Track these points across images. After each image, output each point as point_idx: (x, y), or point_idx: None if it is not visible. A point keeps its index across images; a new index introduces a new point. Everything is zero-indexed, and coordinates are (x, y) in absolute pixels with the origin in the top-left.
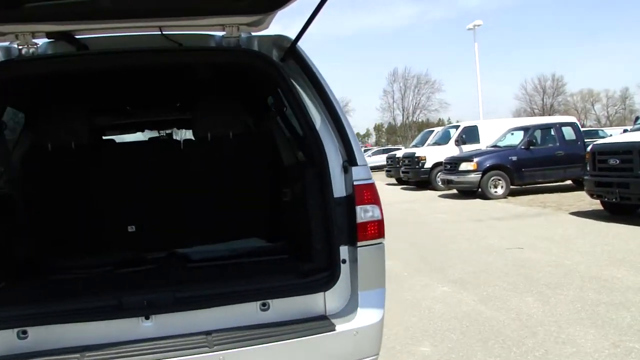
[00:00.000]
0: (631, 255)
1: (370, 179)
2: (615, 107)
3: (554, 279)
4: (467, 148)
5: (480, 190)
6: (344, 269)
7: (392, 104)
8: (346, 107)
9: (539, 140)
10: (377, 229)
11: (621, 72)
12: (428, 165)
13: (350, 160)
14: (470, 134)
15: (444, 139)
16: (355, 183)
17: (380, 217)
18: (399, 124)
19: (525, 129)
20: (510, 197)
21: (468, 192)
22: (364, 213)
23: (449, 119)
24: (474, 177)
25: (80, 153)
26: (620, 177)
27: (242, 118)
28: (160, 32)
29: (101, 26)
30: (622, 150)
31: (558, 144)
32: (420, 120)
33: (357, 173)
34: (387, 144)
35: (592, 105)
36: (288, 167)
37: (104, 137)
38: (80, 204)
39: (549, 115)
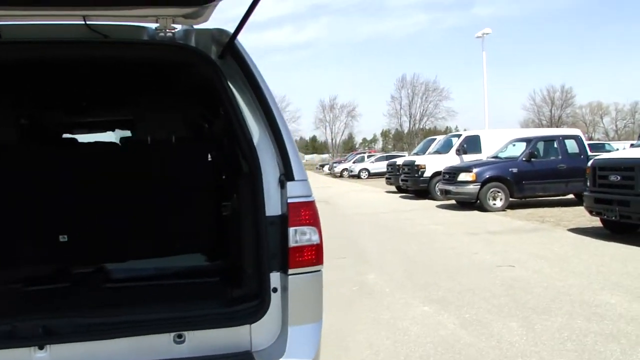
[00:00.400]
0: (627, 278)
1: (309, 196)
2: (625, 121)
3: (542, 302)
4: (469, 158)
5: (478, 201)
6: (275, 299)
7: (400, 110)
8: (353, 111)
9: (541, 153)
10: (314, 254)
11: (631, 86)
12: (428, 174)
13: (287, 174)
14: (472, 144)
15: (445, 148)
16: (289, 201)
17: (318, 241)
18: (405, 131)
19: (528, 141)
20: (509, 210)
21: (466, 203)
22: (300, 236)
23: (457, 127)
24: (473, 188)
25: (6, 154)
26: (621, 194)
27: (189, 121)
28: (84, 22)
29: (18, 13)
30: (624, 166)
31: (560, 157)
32: (427, 127)
33: (293, 189)
34: (394, 150)
35: (601, 118)
36: (228, 178)
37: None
38: (4, 210)
39: (557, 127)
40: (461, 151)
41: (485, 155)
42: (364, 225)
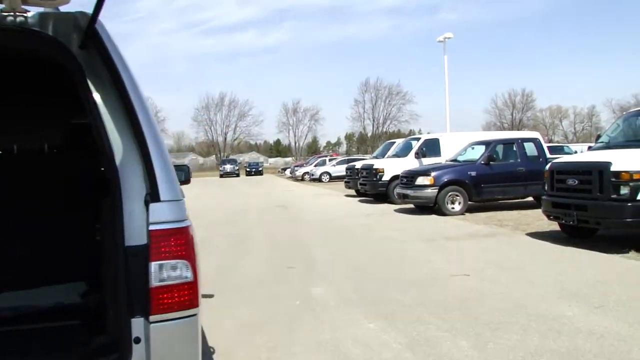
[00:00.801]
0: (586, 287)
1: (181, 220)
2: (583, 124)
3: (496, 316)
4: (428, 161)
5: (437, 205)
6: (139, 351)
7: (363, 114)
8: (316, 115)
9: (500, 156)
10: (186, 295)
11: (589, 90)
12: (386, 177)
13: (152, 193)
14: (431, 147)
15: (404, 151)
16: (152, 228)
17: (191, 279)
18: (369, 134)
19: (486, 144)
20: (467, 214)
21: (425, 207)
22: (168, 272)
23: (420, 130)
24: (431, 192)
25: None
26: (579, 198)
27: (64, 127)
28: None
29: None
30: (582, 170)
31: (519, 160)
32: (391, 130)
33: (158, 213)
34: (358, 154)
35: (560, 121)
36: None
37: None
38: None
39: (518, 129)
40: (420, 154)
41: (444, 158)
42: (318, 231)
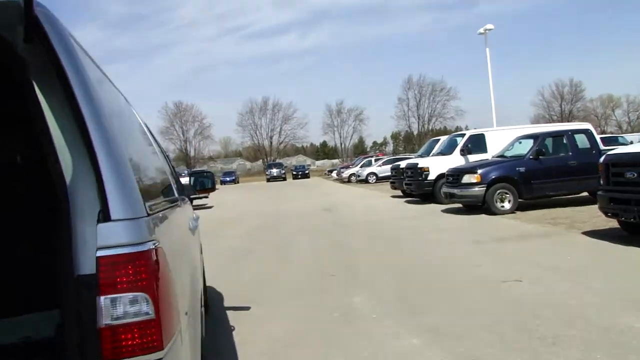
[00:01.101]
0: None
1: (141, 243)
2: (637, 112)
3: (553, 328)
4: (474, 158)
5: (485, 204)
6: None
7: (407, 112)
8: (361, 115)
9: (549, 149)
10: (148, 335)
11: None
12: (432, 176)
13: (103, 210)
14: (476, 143)
15: (448, 149)
16: (100, 254)
17: (153, 315)
18: (415, 132)
19: (535, 137)
20: (518, 212)
21: (473, 207)
22: (122, 307)
23: (467, 126)
24: (478, 190)
25: None
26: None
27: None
28: None
29: None
30: None
31: (571, 153)
32: (437, 127)
33: (107, 234)
34: (405, 152)
35: (613, 110)
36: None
37: None
38: None
39: (568, 121)
40: (465, 151)
41: (491, 155)
42: (362, 235)
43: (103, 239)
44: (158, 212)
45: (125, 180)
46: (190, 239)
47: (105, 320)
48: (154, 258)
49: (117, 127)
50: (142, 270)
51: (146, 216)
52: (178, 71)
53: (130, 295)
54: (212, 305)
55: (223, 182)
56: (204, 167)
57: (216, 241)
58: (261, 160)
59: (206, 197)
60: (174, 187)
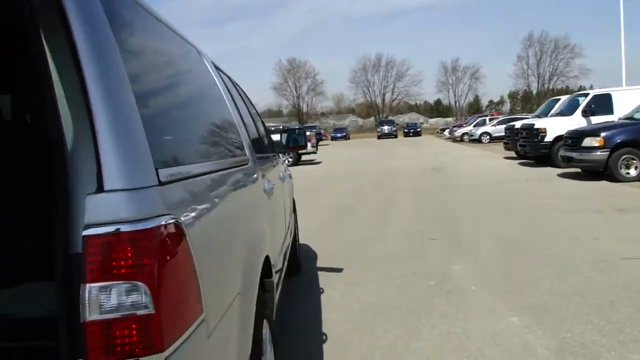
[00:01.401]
0: None
1: (146, 219)
2: None
3: None
4: (598, 120)
5: (607, 170)
6: None
7: (527, 70)
8: (477, 73)
9: None
10: (144, 334)
11: None
12: (549, 138)
13: (98, 179)
14: (601, 104)
15: (569, 109)
16: (86, 232)
17: (151, 310)
18: (534, 92)
19: None
20: None
21: (593, 172)
22: (115, 298)
23: (591, 86)
24: (600, 155)
25: None
26: None
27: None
28: None
29: None
30: None
31: None
32: (558, 87)
33: (99, 209)
34: (522, 112)
35: None
36: None
37: None
38: None
39: None
40: (588, 112)
41: (617, 117)
42: (470, 198)
43: (92, 215)
44: (192, 177)
45: (131, 143)
46: (270, 200)
47: (90, 314)
48: (164, 238)
49: (148, 80)
50: (144, 253)
51: (156, 185)
52: (293, 29)
53: (126, 284)
54: (305, 264)
55: (334, 138)
56: (316, 123)
57: (320, 198)
58: (373, 117)
59: (314, 152)
60: (247, 146)
